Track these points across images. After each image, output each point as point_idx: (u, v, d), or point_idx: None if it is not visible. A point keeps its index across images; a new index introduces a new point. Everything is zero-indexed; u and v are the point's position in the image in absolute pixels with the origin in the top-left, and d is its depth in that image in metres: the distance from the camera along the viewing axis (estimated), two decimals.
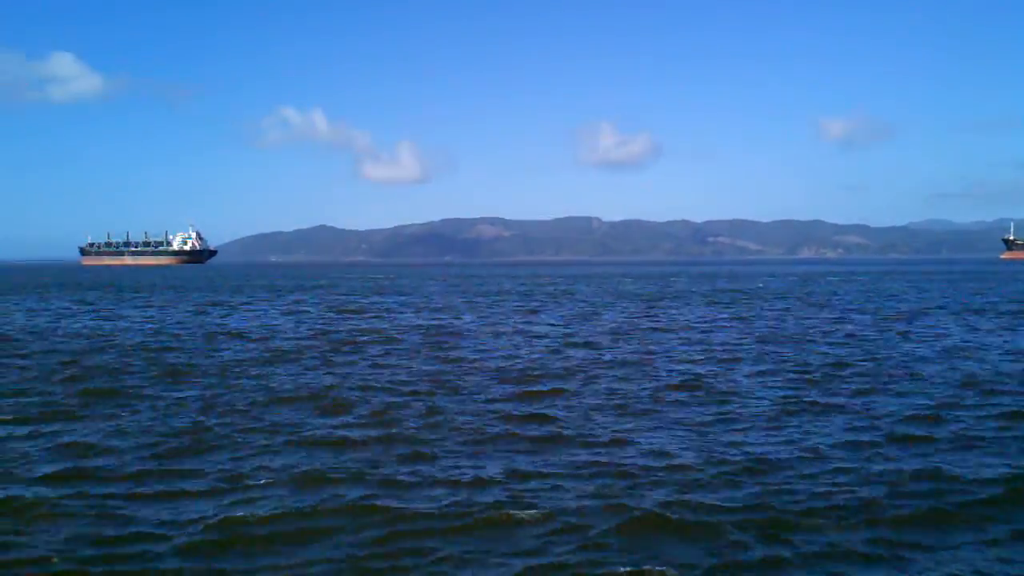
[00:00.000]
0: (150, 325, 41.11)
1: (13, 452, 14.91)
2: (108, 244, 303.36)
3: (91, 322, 43.11)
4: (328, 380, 22.61)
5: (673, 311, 49.21)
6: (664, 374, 23.62)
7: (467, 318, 44.87)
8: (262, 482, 13.03)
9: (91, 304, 59.57)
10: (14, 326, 40.54)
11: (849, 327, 37.69)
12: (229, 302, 62.12)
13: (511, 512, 11.47)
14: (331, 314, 48.23)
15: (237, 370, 24.75)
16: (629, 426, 16.90)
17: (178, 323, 42.12)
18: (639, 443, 15.37)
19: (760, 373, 23.72)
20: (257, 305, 58.19)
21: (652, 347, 30.26)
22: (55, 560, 9.98)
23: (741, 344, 31.10)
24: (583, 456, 14.55)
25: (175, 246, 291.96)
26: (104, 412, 18.41)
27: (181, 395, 20.48)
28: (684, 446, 15.18)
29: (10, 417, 17.80)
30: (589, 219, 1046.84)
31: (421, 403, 19.18)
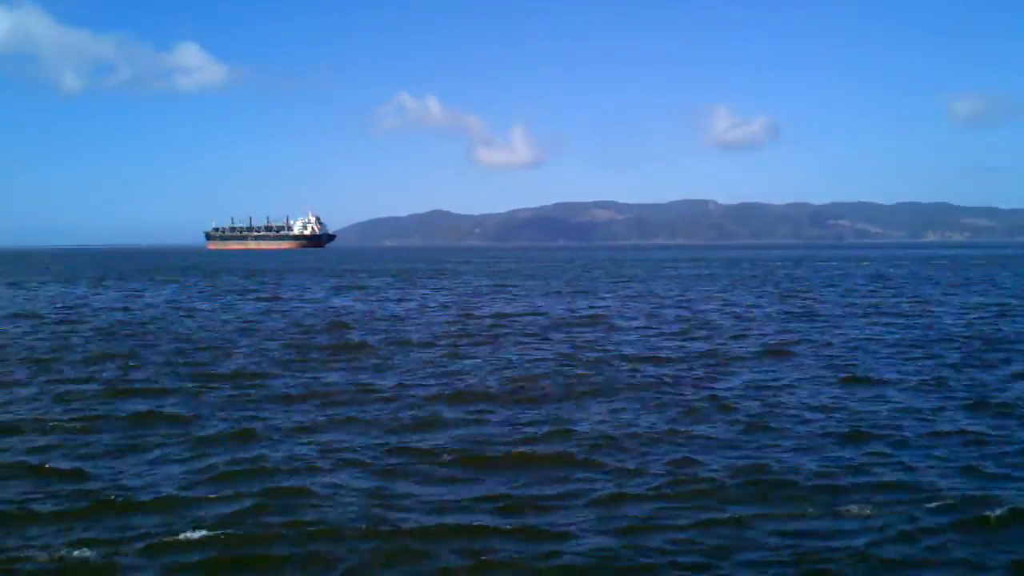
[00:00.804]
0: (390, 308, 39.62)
1: None
2: (232, 229, 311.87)
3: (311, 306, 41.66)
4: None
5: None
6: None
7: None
8: None
9: (255, 289, 59.01)
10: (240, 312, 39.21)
11: None
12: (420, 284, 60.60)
13: None
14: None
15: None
16: None
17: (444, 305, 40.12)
18: None
19: None
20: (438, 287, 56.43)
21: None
22: None
23: None
24: None
25: (295, 231, 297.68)
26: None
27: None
28: None
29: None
30: (705, 202, 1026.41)
31: None
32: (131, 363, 21.88)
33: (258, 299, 46.09)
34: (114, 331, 29.96)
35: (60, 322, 33.29)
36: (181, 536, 9.49)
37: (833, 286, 55.43)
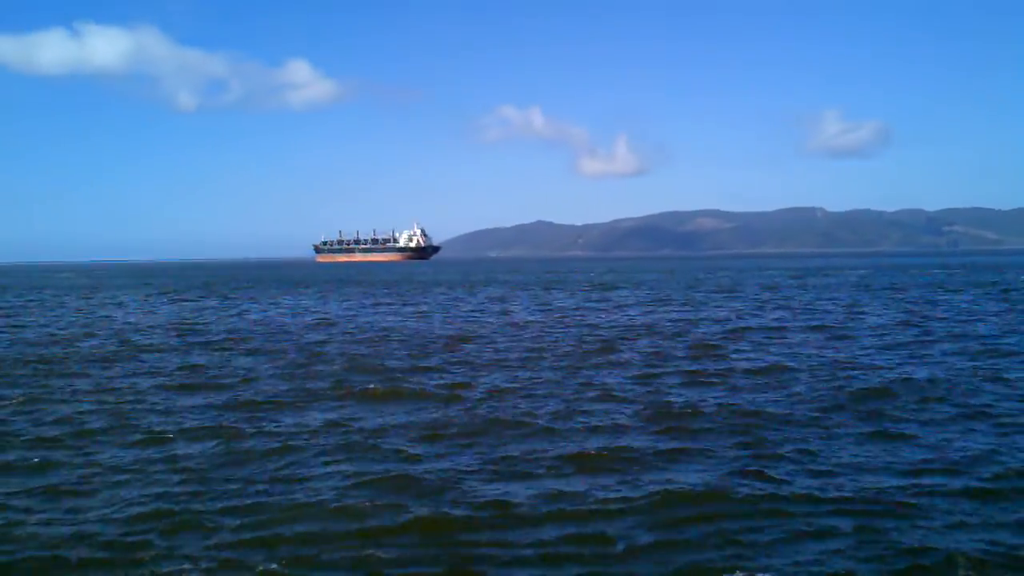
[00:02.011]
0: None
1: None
2: (339, 242, 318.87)
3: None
4: None
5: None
6: None
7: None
8: None
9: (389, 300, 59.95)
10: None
11: None
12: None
13: None
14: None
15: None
16: None
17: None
18: None
19: None
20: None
21: None
22: None
23: None
24: None
25: (401, 243, 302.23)
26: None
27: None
28: None
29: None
30: (812, 209, 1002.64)
31: None
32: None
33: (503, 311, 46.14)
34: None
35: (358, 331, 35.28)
36: None
37: None
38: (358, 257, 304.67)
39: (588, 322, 37.69)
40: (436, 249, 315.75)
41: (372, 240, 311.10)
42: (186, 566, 9.41)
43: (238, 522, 10.80)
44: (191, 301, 60.80)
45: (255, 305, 54.43)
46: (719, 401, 18.08)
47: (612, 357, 25.40)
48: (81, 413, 17.65)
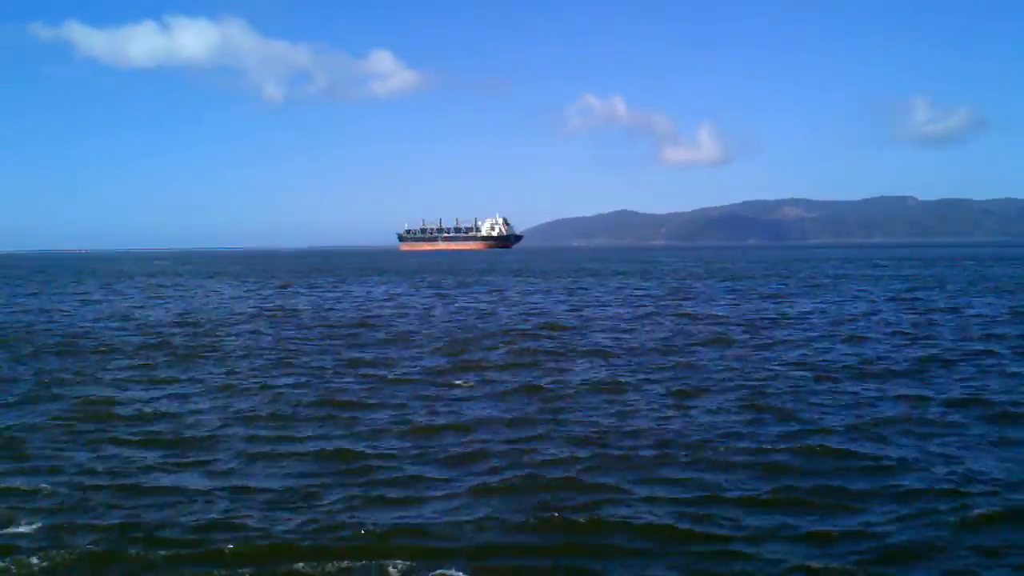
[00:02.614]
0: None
1: None
2: (423, 231, 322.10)
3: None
4: None
5: None
6: None
7: None
8: None
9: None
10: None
11: None
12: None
13: None
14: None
15: None
16: None
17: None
18: None
19: None
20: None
21: None
22: None
23: None
24: None
25: (484, 231, 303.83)
26: None
27: None
28: None
29: None
30: (903, 198, 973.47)
31: None
32: None
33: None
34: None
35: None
36: None
37: None
38: (441, 245, 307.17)
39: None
40: (518, 238, 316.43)
41: (455, 229, 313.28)
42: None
43: None
44: (326, 289, 61.65)
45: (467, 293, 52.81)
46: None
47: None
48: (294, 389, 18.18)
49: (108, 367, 21.76)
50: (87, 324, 33.65)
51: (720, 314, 35.42)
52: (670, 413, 15.64)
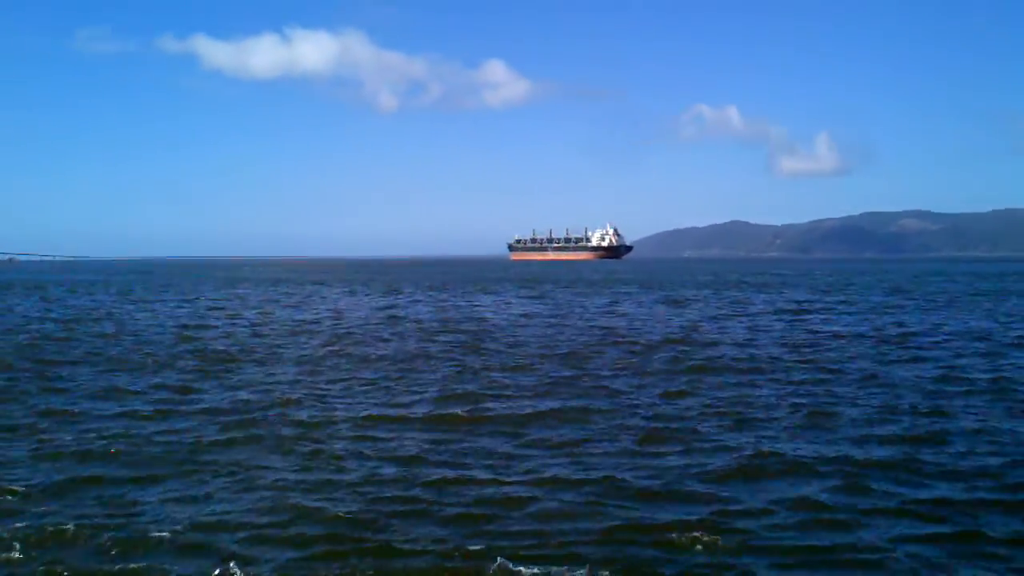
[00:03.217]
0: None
1: None
2: (533, 240, 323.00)
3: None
4: None
5: None
6: None
7: None
8: None
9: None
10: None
11: None
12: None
13: None
14: None
15: None
16: None
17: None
18: None
19: None
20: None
21: None
22: None
23: None
24: None
25: (594, 242, 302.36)
26: None
27: None
28: None
29: None
30: None
31: None
32: None
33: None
34: None
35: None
36: None
37: None
38: (551, 256, 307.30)
39: None
40: (628, 248, 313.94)
41: (565, 239, 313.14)
42: None
43: None
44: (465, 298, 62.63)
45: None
46: None
47: None
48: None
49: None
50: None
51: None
52: None
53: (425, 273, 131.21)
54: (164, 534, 9.92)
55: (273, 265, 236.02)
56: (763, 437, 14.67)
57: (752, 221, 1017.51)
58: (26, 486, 11.73)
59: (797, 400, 17.93)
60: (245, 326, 36.07)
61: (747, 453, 13.51)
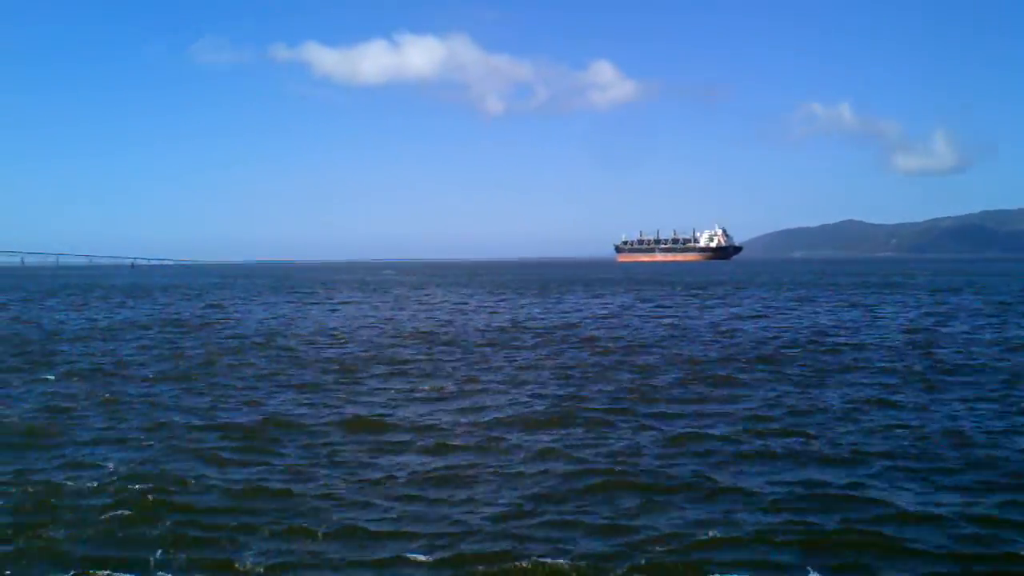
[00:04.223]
0: None
1: None
2: (640, 242, 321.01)
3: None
4: None
5: None
6: None
7: None
8: None
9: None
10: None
11: None
12: None
13: None
14: None
15: None
16: None
17: None
18: None
19: None
20: None
21: None
22: None
23: None
24: None
25: (702, 243, 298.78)
26: None
27: None
28: None
29: None
30: None
31: None
32: None
33: None
34: None
35: None
36: None
37: None
38: (658, 257, 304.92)
39: None
40: (738, 249, 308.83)
41: (672, 240, 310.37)
42: None
43: None
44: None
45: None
46: None
47: None
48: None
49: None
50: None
51: None
52: None
53: (561, 275, 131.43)
54: None
55: (397, 267, 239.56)
56: None
57: (866, 220, 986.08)
58: None
59: None
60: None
61: None
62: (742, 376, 21.26)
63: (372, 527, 10.27)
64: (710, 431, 15.05)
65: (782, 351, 26.52)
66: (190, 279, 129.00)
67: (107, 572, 8.98)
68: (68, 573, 8.98)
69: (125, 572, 9.01)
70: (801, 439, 14.39)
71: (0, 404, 17.98)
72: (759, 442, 14.17)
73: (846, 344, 28.18)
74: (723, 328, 34.81)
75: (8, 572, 9.10)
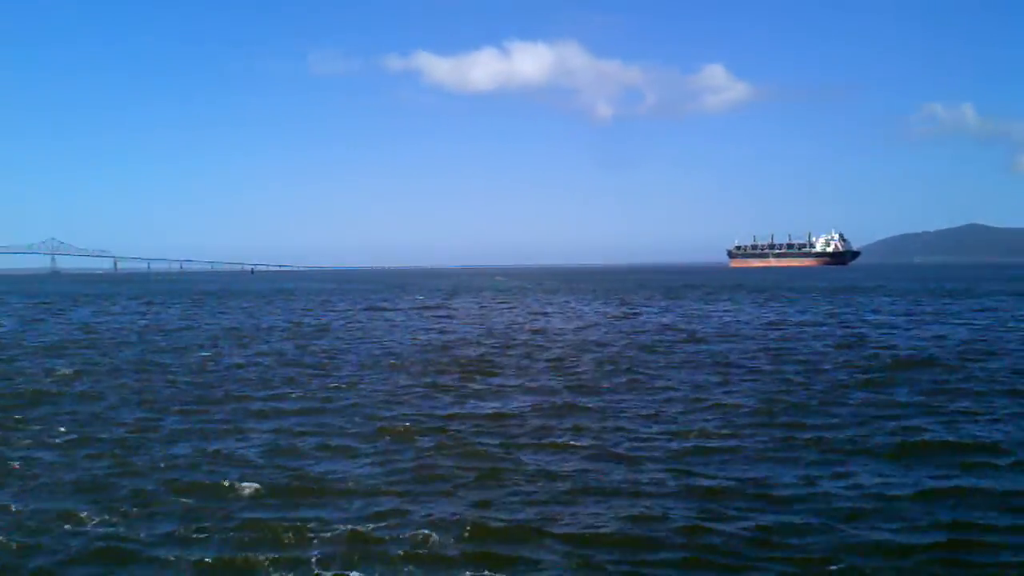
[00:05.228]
0: None
1: None
2: (753, 247, 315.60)
3: None
4: None
5: None
6: None
7: None
8: None
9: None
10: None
11: None
12: None
13: None
14: None
15: None
16: None
17: None
18: None
19: None
20: None
21: None
22: None
23: None
24: None
25: (818, 248, 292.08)
26: None
27: None
28: None
29: None
30: None
31: None
32: None
33: None
34: None
35: None
36: None
37: None
38: (772, 262, 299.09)
39: None
40: (855, 254, 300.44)
41: (787, 245, 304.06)
42: None
43: None
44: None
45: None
46: None
47: None
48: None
49: None
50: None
51: None
52: None
53: (680, 280, 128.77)
54: None
55: (506, 274, 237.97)
56: None
57: (990, 224, 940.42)
58: None
59: None
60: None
61: None
62: None
63: None
64: None
65: None
66: (328, 283, 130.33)
67: None
68: None
69: None
70: None
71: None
72: None
73: None
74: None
75: None
